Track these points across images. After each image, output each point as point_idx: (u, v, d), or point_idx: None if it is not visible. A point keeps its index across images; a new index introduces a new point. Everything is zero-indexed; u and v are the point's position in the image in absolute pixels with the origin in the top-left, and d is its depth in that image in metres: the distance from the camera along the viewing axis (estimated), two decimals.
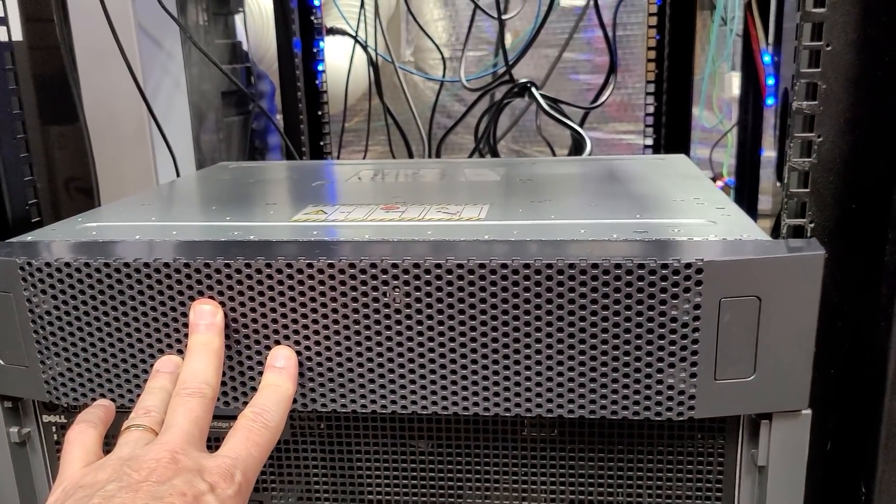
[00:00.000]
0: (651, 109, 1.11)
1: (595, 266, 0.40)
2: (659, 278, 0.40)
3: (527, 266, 0.40)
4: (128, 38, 0.83)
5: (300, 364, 0.44)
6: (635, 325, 0.41)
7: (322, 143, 1.17)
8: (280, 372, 0.43)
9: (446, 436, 0.47)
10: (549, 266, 0.40)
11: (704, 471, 0.46)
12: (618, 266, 0.40)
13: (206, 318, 0.43)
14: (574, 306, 0.41)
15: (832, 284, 0.42)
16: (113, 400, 0.46)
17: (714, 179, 1.62)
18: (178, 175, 0.84)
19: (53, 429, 0.51)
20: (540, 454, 0.47)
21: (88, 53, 0.86)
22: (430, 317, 0.42)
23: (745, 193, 1.16)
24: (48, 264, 0.44)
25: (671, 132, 1.07)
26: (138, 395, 0.44)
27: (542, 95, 1.02)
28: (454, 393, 0.43)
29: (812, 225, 0.42)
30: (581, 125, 1.14)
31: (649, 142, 1.13)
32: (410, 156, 1.28)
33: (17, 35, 0.87)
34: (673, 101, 1.06)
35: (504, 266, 0.41)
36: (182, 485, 0.36)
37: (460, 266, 0.41)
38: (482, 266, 0.41)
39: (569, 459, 0.47)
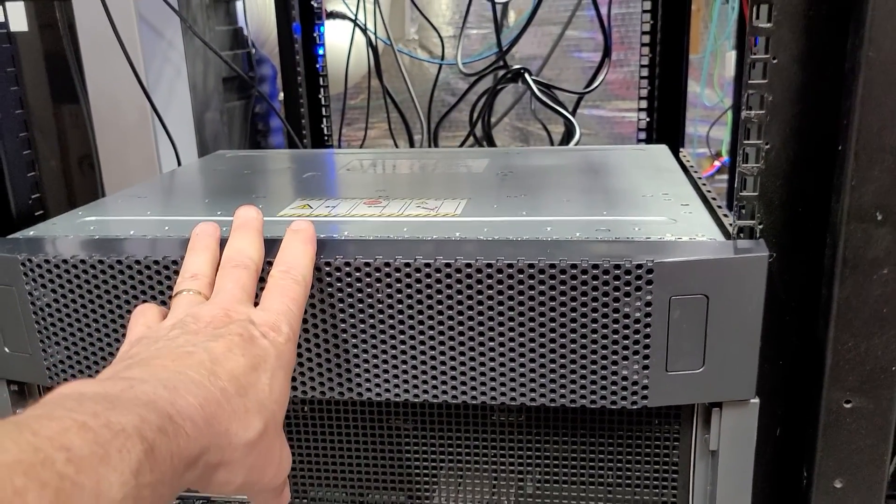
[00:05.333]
0: (645, 93, 1.12)
1: (552, 266, 0.43)
2: (612, 278, 0.42)
3: (489, 265, 0.43)
4: (129, 28, 0.85)
5: None
6: (591, 320, 0.43)
7: (322, 126, 1.19)
8: (297, 233, 0.46)
9: (422, 420, 0.51)
10: (510, 266, 0.43)
11: (662, 454, 0.49)
12: (573, 266, 0.43)
13: (248, 210, 0.47)
14: (534, 303, 0.43)
15: (780, 282, 0.45)
16: None
17: (714, 158, 1.64)
18: (178, 162, 0.87)
19: None
20: (508, 437, 0.51)
21: (91, 40, 0.88)
22: (401, 311, 0.45)
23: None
24: (47, 261, 0.47)
25: (663, 116, 1.09)
26: None
27: (536, 81, 1.04)
28: (424, 382, 0.46)
29: (761, 226, 0.44)
30: (575, 108, 1.15)
31: (643, 125, 1.14)
32: (410, 137, 1.30)
33: (23, 25, 0.90)
34: (665, 86, 1.08)
35: (469, 265, 0.43)
36: (238, 328, 0.39)
37: (428, 265, 0.44)
38: (448, 265, 0.44)
39: (535, 443, 0.50)
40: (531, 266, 0.43)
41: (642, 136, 1.13)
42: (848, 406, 0.43)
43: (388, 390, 0.47)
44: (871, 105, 0.38)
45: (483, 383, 0.46)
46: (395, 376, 0.46)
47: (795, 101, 0.42)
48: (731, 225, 0.47)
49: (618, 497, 0.51)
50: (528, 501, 0.52)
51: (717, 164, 1.60)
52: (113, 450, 0.28)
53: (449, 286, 0.44)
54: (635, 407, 0.45)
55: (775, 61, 0.41)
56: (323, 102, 1.19)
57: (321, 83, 1.18)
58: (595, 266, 0.42)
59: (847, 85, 0.39)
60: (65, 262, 0.47)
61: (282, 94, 1.17)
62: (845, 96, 0.39)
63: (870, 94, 0.38)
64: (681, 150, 1.01)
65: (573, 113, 1.11)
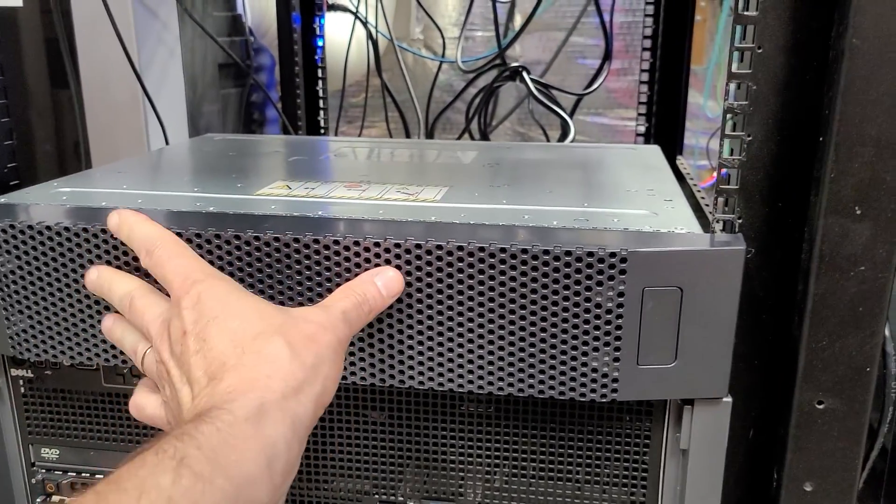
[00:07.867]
0: (644, 98, 1.12)
1: (525, 251, 0.42)
2: (585, 265, 0.41)
3: (460, 248, 0.42)
4: (122, 7, 0.84)
5: None
6: (562, 308, 0.42)
7: (318, 119, 1.18)
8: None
9: (389, 408, 0.50)
10: (482, 249, 0.42)
11: (633, 452, 0.48)
12: (546, 252, 0.42)
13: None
14: (504, 289, 0.42)
15: (758, 279, 0.44)
16: (72, 357, 0.48)
17: (713, 169, 1.62)
18: (167, 144, 0.87)
19: (21, 382, 0.53)
20: (477, 429, 0.49)
21: (85, 19, 0.88)
22: None
23: None
24: (12, 226, 0.47)
25: (661, 122, 1.08)
26: (96, 353, 0.47)
27: (534, 80, 1.03)
28: (391, 367, 0.45)
29: (740, 221, 0.43)
30: (573, 111, 1.15)
31: (642, 130, 1.13)
32: (407, 134, 1.29)
33: (18, 1, 0.89)
34: (665, 92, 1.07)
35: (439, 248, 0.42)
36: None
37: (397, 246, 0.43)
38: (419, 247, 0.43)
39: (504, 436, 0.49)
40: (503, 251, 0.42)
41: (640, 141, 1.13)
42: (820, 407, 0.42)
43: (353, 374, 0.46)
44: (852, 95, 0.37)
45: (450, 370, 0.45)
46: (361, 360, 0.45)
47: (779, 91, 0.41)
48: (711, 216, 0.46)
49: (586, 494, 0.49)
50: (496, 495, 0.51)
51: (716, 175, 1.58)
52: None
53: (419, 269, 0.43)
54: (605, 400, 0.44)
55: (760, 51, 0.40)
56: (320, 94, 1.18)
57: (319, 75, 1.17)
58: (568, 253, 0.41)
59: (830, 75, 0.38)
60: (30, 227, 0.46)
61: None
62: (828, 86, 0.38)
63: (852, 84, 0.37)
64: (679, 158, 1.00)
65: (571, 115, 1.10)
